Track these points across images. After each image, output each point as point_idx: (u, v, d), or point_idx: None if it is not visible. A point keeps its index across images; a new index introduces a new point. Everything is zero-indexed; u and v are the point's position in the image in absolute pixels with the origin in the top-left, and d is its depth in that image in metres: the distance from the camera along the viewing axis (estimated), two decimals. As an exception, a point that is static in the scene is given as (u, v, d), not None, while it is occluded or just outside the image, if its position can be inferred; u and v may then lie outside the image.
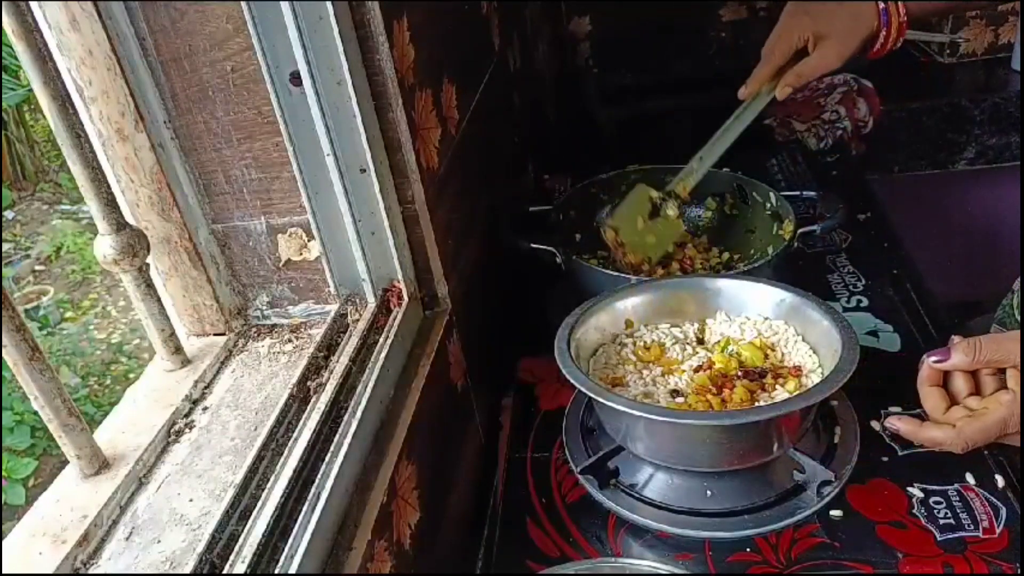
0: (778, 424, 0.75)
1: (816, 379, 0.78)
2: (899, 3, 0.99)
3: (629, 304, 0.90)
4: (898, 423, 0.73)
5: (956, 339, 0.73)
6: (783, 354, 0.84)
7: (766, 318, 0.88)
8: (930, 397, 0.73)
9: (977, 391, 0.72)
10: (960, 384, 0.72)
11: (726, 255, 1.16)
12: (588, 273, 1.03)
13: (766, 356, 0.83)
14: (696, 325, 0.90)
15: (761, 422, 0.73)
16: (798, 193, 1.15)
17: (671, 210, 1.08)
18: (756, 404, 0.77)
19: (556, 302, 1.13)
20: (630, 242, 1.07)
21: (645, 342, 0.88)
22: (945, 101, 1.81)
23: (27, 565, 0.54)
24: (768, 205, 1.14)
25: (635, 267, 1.07)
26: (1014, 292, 1.11)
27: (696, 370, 0.82)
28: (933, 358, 0.72)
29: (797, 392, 0.76)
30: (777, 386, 0.78)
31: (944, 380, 0.74)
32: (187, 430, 0.68)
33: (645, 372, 0.83)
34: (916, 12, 1.00)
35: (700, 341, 0.89)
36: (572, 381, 0.76)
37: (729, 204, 1.21)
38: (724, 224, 1.21)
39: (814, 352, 0.82)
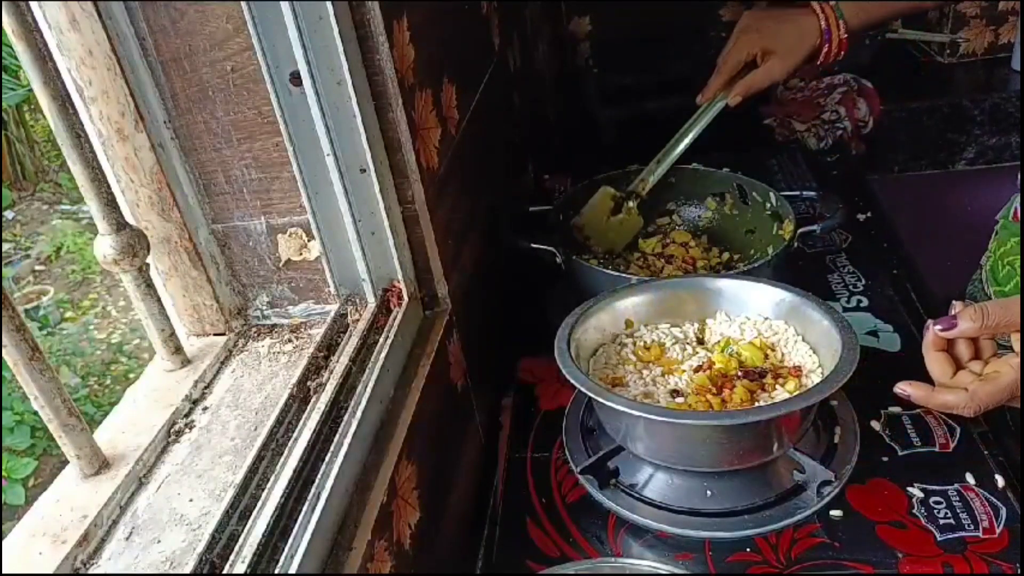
0: (778, 424, 0.75)
1: (816, 379, 0.78)
2: (840, 20, 1.09)
3: (629, 304, 0.90)
4: (908, 388, 0.72)
5: (957, 304, 0.72)
6: (783, 354, 0.84)
7: (766, 318, 0.88)
8: (936, 363, 0.73)
9: (977, 355, 0.73)
10: (963, 349, 0.72)
11: (726, 255, 1.16)
12: (588, 273, 1.03)
13: (766, 356, 0.83)
14: (696, 325, 0.90)
15: (761, 422, 0.73)
16: (798, 193, 1.15)
17: (631, 204, 1.18)
18: (756, 404, 0.77)
19: (556, 302, 1.13)
20: (594, 236, 1.17)
21: (645, 342, 0.88)
22: (945, 101, 1.81)
23: (27, 565, 0.54)
24: (768, 205, 1.14)
25: (604, 255, 1.17)
26: (981, 267, 1.14)
27: (696, 370, 0.82)
28: (939, 327, 0.72)
29: (797, 392, 0.76)
30: (777, 386, 0.78)
31: (948, 346, 0.73)
32: (187, 430, 0.68)
33: (645, 372, 0.83)
34: (856, 27, 1.10)
35: (700, 341, 0.89)
36: (572, 381, 0.76)
37: (729, 204, 1.21)
38: (724, 224, 1.22)
39: (814, 352, 0.82)
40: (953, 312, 0.72)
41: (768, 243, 1.14)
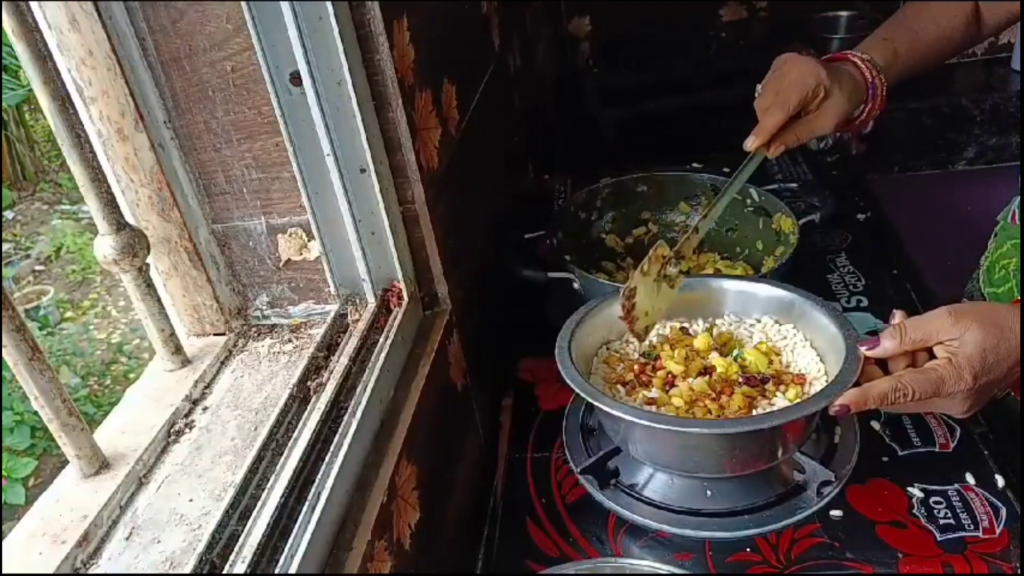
0: (780, 432, 0.74)
1: (820, 387, 0.77)
2: (879, 73, 0.98)
3: None
4: (841, 400, 0.70)
5: (897, 314, 0.74)
6: (789, 360, 0.83)
7: (776, 321, 0.87)
8: (865, 375, 0.73)
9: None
10: (900, 365, 0.73)
11: (726, 260, 1.15)
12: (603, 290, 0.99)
13: (770, 362, 0.82)
14: (704, 325, 0.90)
15: (760, 431, 0.72)
16: (776, 186, 1.15)
17: (677, 269, 0.95)
18: (754, 411, 0.77)
19: (556, 302, 1.13)
20: (640, 310, 0.93)
21: (651, 341, 0.88)
22: (945, 101, 1.81)
23: (27, 565, 0.54)
24: (749, 201, 1.15)
25: (639, 336, 0.95)
26: (980, 267, 1.13)
27: (698, 373, 0.82)
28: (864, 347, 0.73)
29: (797, 400, 0.76)
30: (777, 393, 0.78)
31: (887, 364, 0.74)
32: (187, 430, 0.68)
33: (647, 372, 0.83)
34: (892, 80, 1.00)
35: (705, 342, 0.88)
36: (571, 385, 0.76)
37: (704, 205, 1.20)
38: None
39: (821, 359, 0.81)
40: (893, 320, 0.74)
41: (757, 238, 1.14)
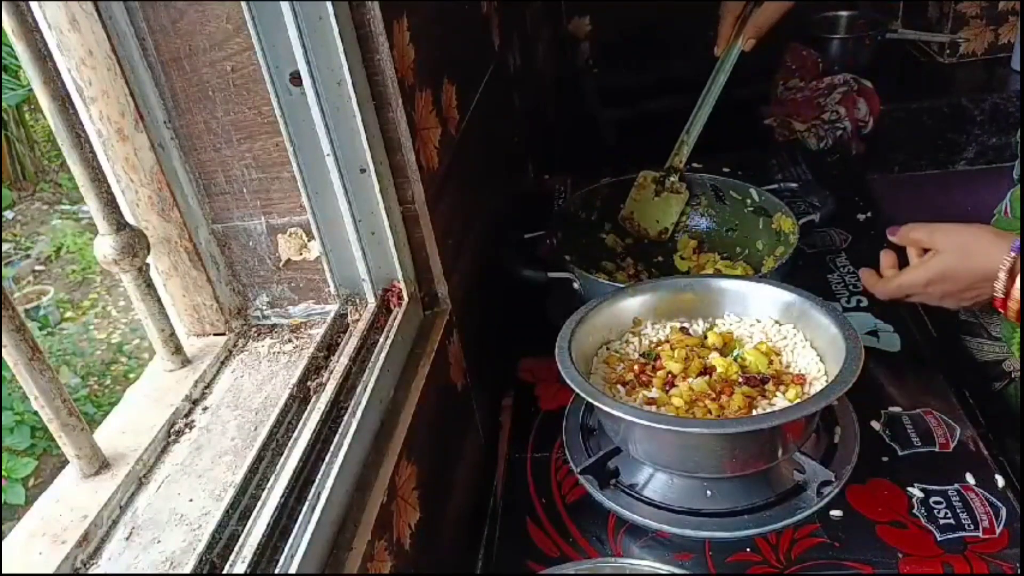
0: (780, 432, 0.74)
1: (820, 386, 0.77)
2: None
3: (637, 302, 0.90)
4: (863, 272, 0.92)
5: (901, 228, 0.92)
6: (789, 361, 0.83)
7: (776, 321, 0.87)
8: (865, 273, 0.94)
9: None
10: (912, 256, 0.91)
11: (726, 260, 1.15)
12: (602, 289, 1.00)
13: (770, 362, 0.82)
14: (704, 325, 0.90)
15: (759, 431, 0.72)
16: (776, 186, 1.16)
17: (674, 179, 1.18)
18: (754, 411, 0.77)
19: (556, 302, 1.13)
20: (644, 222, 1.17)
21: (651, 341, 0.88)
22: (945, 101, 1.80)
23: (27, 565, 0.54)
24: (749, 201, 1.15)
25: (657, 239, 1.18)
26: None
27: (698, 373, 0.82)
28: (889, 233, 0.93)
29: (797, 400, 0.76)
30: (777, 393, 0.78)
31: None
32: (187, 430, 0.68)
33: (647, 372, 0.83)
34: None
35: (706, 341, 0.88)
36: (571, 385, 0.76)
37: (704, 205, 1.21)
38: (700, 226, 1.21)
39: (821, 359, 0.81)
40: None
41: (757, 238, 1.14)
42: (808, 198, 1.15)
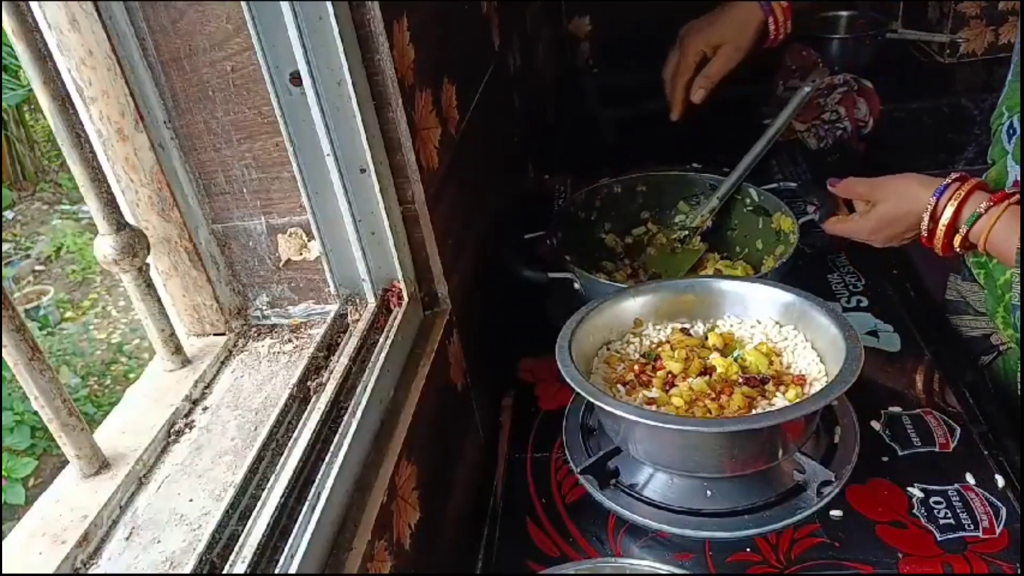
0: (780, 432, 0.74)
1: (820, 387, 0.77)
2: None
3: (638, 303, 0.90)
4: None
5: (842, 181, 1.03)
6: (789, 362, 0.83)
7: (777, 322, 0.87)
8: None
9: None
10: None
11: (726, 260, 1.15)
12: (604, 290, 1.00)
13: (770, 362, 0.82)
14: (705, 326, 0.90)
15: (759, 430, 0.72)
16: (776, 185, 1.17)
17: (695, 240, 1.18)
18: (753, 411, 0.77)
19: (556, 302, 1.13)
20: (658, 270, 1.17)
21: (652, 342, 0.88)
22: (945, 101, 1.80)
23: (27, 565, 0.54)
24: (748, 200, 1.16)
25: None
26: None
27: (698, 374, 0.82)
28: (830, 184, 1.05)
29: (797, 401, 0.76)
30: (777, 394, 0.78)
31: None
32: (187, 430, 0.68)
33: (647, 372, 0.83)
34: None
35: (706, 342, 0.88)
36: (571, 383, 0.76)
37: (704, 205, 1.20)
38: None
39: (821, 360, 0.81)
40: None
41: (757, 237, 1.14)
42: (808, 198, 1.15)
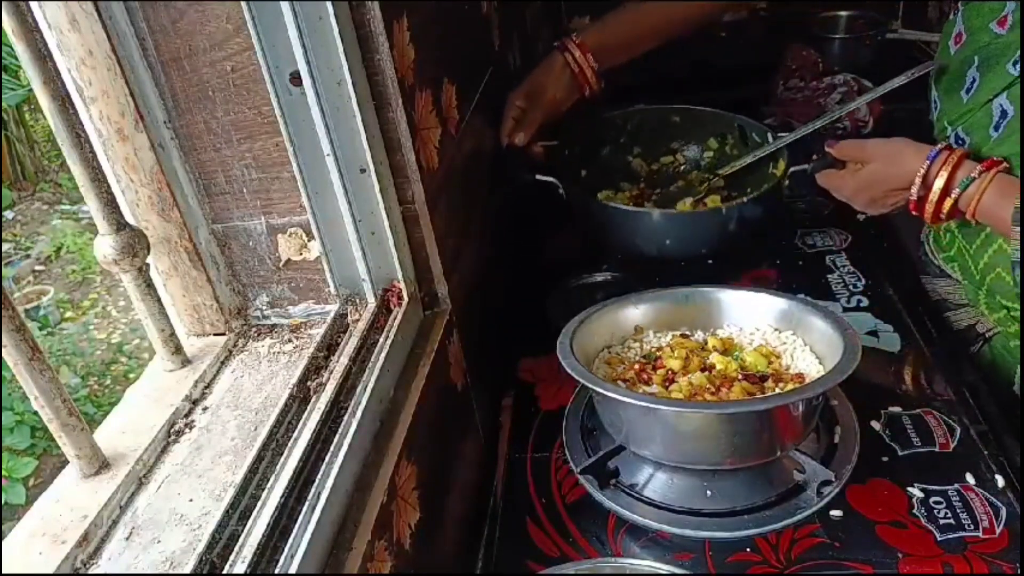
0: (778, 425, 0.75)
1: None
2: (583, 54, 1.19)
3: (639, 311, 0.91)
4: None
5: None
6: (788, 364, 0.83)
7: (776, 329, 0.87)
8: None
9: None
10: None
11: (725, 192, 1.22)
12: (593, 208, 1.10)
13: (769, 363, 0.83)
14: (705, 335, 0.90)
15: (760, 418, 0.73)
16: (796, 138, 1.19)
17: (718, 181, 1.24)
18: None
19: (556, 303, 1.14)
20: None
21: (652, 346, 0.88)
22: (945, 101, 1.80)
23: (27, 565, 0.54)
24: (766, 147, 1.19)
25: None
26: (923, 242, 1.21)
27: (698, 371, 0.82)
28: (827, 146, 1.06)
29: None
30: (776, 389, 0.78)
31: None
32: (187, 430, 0.68)
33: (648, 371, 0.83)
34: (595, 47, 1.20)
35: (706, 346, 0.88)
36: (571, 373, 0.76)
37: (730, 144, 1.26)
38: (725, 163, 1.25)
39: (820, 362, 0.82)
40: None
41: (764, 181, 1.17)
42: (811, 148, 1.18)
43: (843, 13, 1.90)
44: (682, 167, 1.27)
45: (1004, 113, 0.95)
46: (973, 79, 0.99)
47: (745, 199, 1.10)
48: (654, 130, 1.28)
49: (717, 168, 1.24)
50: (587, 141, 1.21)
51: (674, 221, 1.12)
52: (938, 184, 0.92)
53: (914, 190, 0.94)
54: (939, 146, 0.93)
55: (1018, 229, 0.86)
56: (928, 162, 0.93)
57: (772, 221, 1.19)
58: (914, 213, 0.97)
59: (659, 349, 0.87)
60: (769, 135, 1.18)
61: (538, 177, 1.11)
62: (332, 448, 0.64)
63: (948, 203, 0.92)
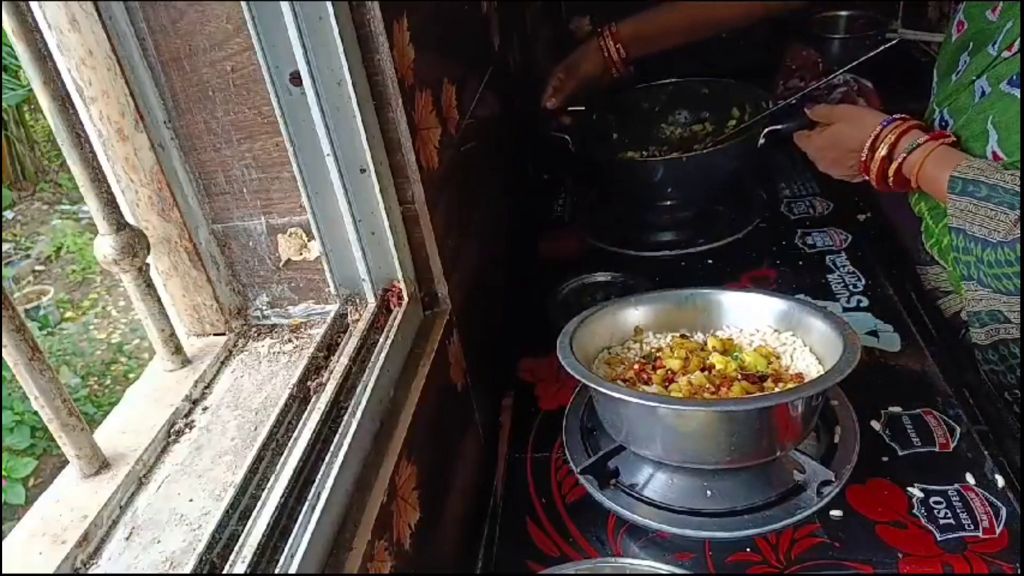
0: (778, 425, 0.75)
1: None
2: (614, 43, 1.35)
3: (639, 312, 0.91)
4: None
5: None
6: (788, 364, 0.83)
7: (775, 330, 0.87)
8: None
9: None
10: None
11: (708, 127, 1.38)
12: (597, 157, 1.29)
13: (769, 363, 0.83)
14: (705, 336, 0.90)
15: (759, 418, 0.73)
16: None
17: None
18: None
19: (556, 303, 1.14)
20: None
21: (652, 348, 0.88)
22: (945, 101, 1.80)
23: (27, 565, 0.54)
24: (759, 114, 1.29)
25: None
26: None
27: (698, 370, 0.82)
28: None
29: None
30: (776, 388, 0.78)
31: None
32: (187, 430, 0.68)
33: (647, 371, 0.83)
34: (627, 37, 1.36)
35: (706, 347, 0.88)
36: (571, 371, 0.76)
37: (750, 113, 1.33)
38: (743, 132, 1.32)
39: (820, 363, 0.82)
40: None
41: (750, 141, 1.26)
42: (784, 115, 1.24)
43: (843, 13, 1.90)
44: (711, 132, 1.39)
45: (984, 93, 0.97)
46: (964, 62, 1.02)
47: (721, 146, 1.26)
48: (687, 100, 1.43)
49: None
50: (621, 111, 1.39)
51: (662, 167, 1.27)
52: (885, 146, 0.98)
53: (865, 151, 1.00)
54: (898, 115, 0.99)
55: (953, 197, 0.90)
56: (881, 126, 0.98)
57: (750, 172, 1.36)
58: (863, 176, 1.03)
59: (659, 350, 0.87)
60: (763, 103, 1.29)
61: (554, 132, 1.30)
62: (332, 448, 0.64)
63: (893, 167, 0.97)
